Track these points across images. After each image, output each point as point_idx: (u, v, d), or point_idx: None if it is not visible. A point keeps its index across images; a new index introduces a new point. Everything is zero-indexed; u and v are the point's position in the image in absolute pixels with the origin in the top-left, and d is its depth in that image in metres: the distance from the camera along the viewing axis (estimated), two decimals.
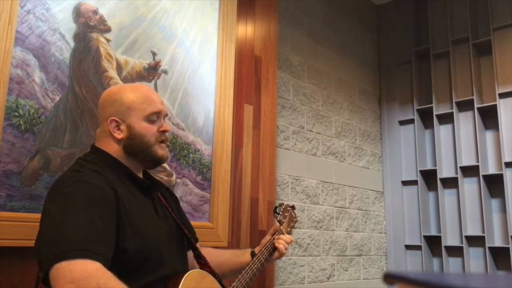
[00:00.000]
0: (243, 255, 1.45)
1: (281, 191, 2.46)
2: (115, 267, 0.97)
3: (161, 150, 1.22)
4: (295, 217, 1.68)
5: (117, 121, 1.17)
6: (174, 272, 1.15)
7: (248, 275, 1.32)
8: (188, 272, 1.14)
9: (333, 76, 2.97)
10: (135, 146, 1.18)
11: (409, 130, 3.22)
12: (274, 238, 1.47)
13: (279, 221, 1.59)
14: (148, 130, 1.19)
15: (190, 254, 1.34)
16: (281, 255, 1.46)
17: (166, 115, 1.26)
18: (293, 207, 1.69)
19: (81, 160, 1.16)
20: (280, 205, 1.65)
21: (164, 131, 1.23)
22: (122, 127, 1.17)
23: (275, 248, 1.46)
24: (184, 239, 1.29)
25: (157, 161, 1.23)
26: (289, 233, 1.60)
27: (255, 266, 1.37)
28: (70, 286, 0.87)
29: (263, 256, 1.42)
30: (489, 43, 2.89)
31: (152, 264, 1.10)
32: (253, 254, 1.44)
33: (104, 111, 1.20)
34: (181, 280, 1.10)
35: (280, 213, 1.62)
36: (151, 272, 1.09)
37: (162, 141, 1.22)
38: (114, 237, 1.02)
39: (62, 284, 0.88)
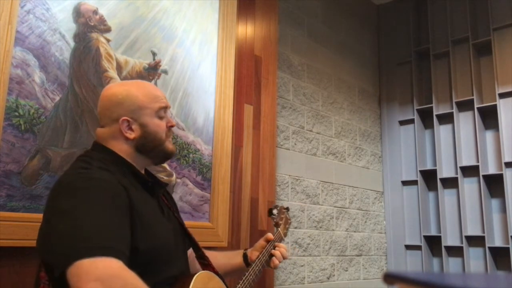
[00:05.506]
0: (235, 258, 1.47)
1: (281, 191, 2.45)
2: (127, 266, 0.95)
3: (171, 145, 1.24)
4: (290, 219, 1.70)
5: (128, 121, 1.15)
6: (181, 272, 1.15)
7: (248, 280, 1.32)
8: (198, 273, 1.13)
9: (333, 76, 2.97)
10: (149, 143, 1.18)
11: (409, 130, 3.22)
12: (270, 247, 1.48)
13: (276, 223, 1.61)
14: (160, 126, 1.20)
15: (189, 253, 1.34)
16: (275, 265, 1.47)
17: (169, 108, 1.28)
18: (287, 209, 1.70)
19: (85, 157, 1.13)
20: (275, 207, 1.66)
21: (172, 126, 1.25)
22: (134, 126, 1.16)
23: (271, 256, 1.47)
24: (186, 239, 1.29)
25: (168, 156, 1.26)
26: (286, 235, 1.62)
27: (257, 268, 1.38)
28: (94, 284, 0.83)
29: (261, 261, 1.42)
30: (489, 43, 2.89)
31: (161, 264, 1.09)
32: (245, 256, 1.45)
33: (111, 112, 1.17)
34: (190, 281, 1.09)
35: (276, 215, 1.64)
36: (160, 272, 1.08)
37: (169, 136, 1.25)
38: (129, 236, 1.00)
39: (85, 281, 0.83)
